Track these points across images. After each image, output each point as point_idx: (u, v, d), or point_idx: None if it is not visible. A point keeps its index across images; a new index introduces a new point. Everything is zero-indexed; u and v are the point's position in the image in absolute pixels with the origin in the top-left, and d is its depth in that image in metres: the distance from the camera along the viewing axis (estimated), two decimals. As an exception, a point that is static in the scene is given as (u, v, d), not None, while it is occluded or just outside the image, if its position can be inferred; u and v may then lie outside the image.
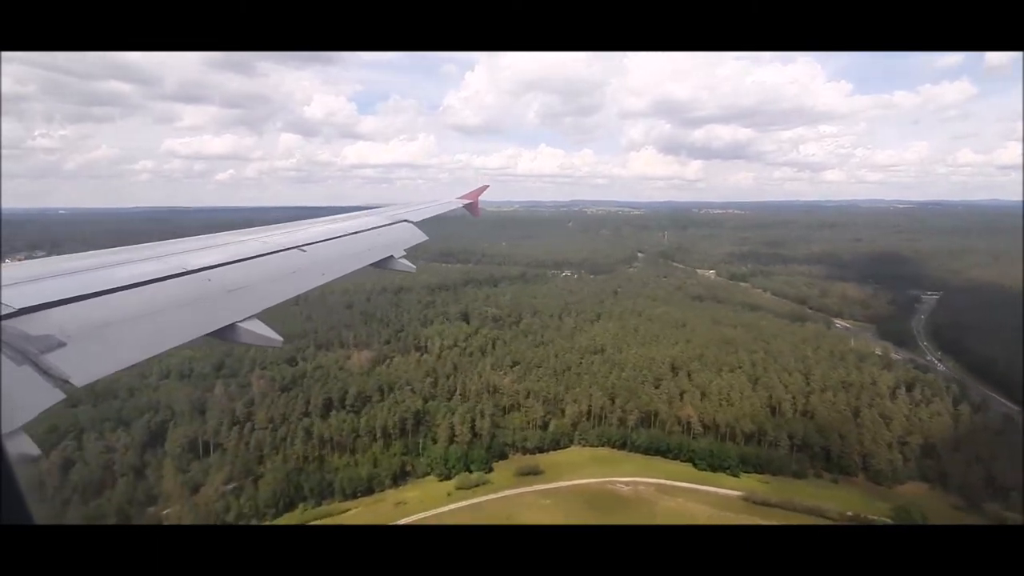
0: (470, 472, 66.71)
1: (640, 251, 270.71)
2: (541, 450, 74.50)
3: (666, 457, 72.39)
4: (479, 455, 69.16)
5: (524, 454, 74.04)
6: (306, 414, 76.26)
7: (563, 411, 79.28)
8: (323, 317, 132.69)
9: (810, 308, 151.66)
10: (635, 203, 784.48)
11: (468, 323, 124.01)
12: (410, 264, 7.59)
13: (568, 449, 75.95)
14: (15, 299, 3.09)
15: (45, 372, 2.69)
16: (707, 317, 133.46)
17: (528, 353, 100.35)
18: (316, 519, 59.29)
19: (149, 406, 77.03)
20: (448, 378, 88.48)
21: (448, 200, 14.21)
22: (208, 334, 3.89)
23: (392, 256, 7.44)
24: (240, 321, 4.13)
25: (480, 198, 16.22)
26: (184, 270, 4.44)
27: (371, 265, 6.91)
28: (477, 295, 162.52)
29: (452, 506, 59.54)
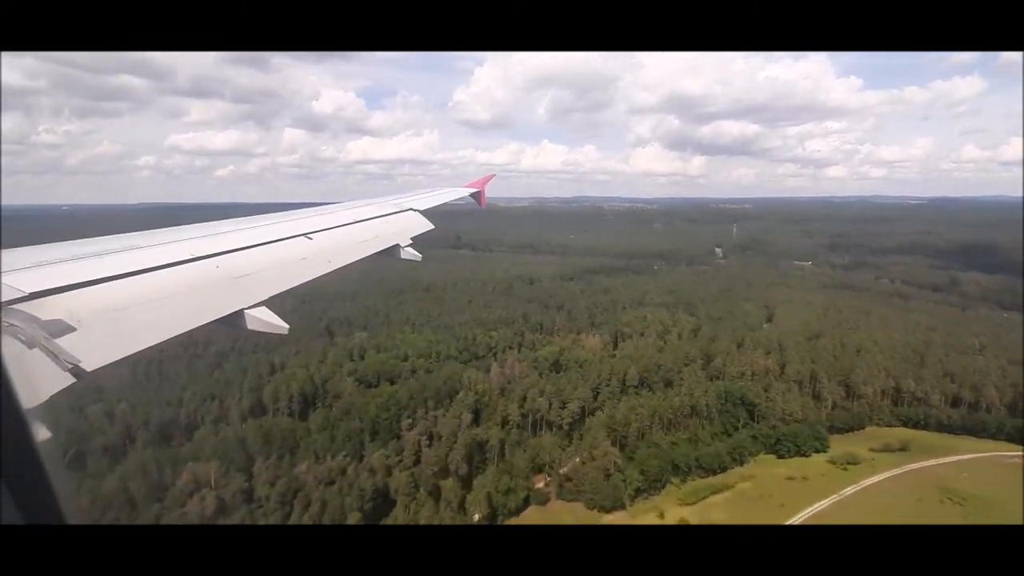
0: (820, 450, 67.56)
1: (717, 245, 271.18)
2: (850, 429, 75.37)
3: (978, 437, 73.12)
4: (821, 432, 69.99)
5: (831, 433, 74.78)
6: (611, 395, 76.62)
7: (855, 393, 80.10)
8: (499, 304, 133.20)
9: (956, 296, 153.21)
10: (644, 199, 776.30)
11: (649, 309, 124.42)
12: (416, 253, 7.45)
13: (866, 430, 76.72)
14: (24, 284, 3.08)
15: (55, 356, 2.68)
16: (875, 304, 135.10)
17: (757, 337, 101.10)
18: (713, 493, 59.77)
19: (451, 387, 76.98)
20: (710, 361, 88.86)
21: (454, 189, 13.94)
22: (215, 320, 3.92)
23: (398, 244, 7.37)
24: (247, 308, 4.14)
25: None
26: (191, 256, 4.43)
27: (376, 254, 6.82)
28: (612, 284, 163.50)
29: (878, 477, 60.26)
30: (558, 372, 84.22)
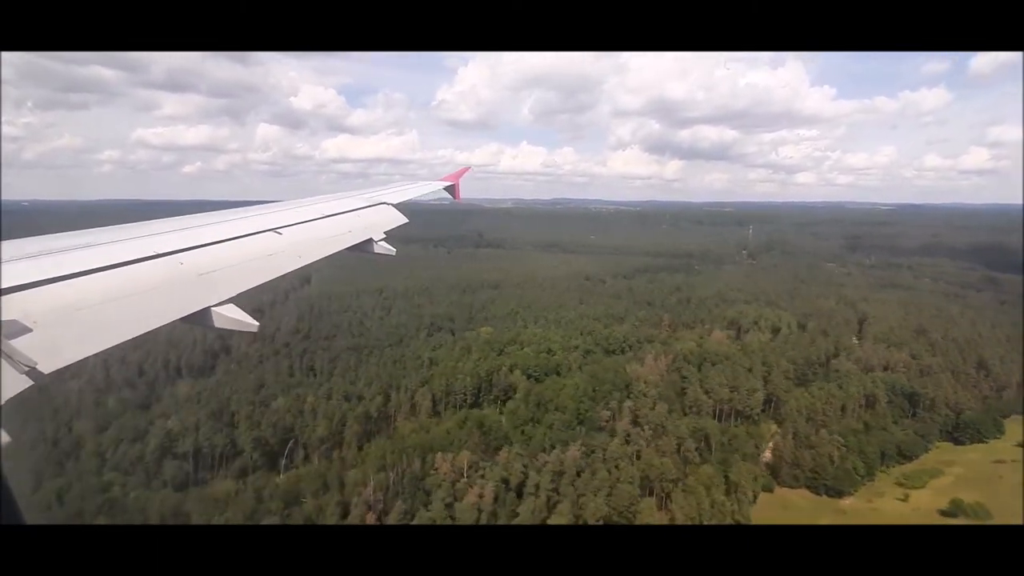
0: (996, 436, 70.54)
1: (743, 247, 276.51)
2: (1002, 416, 78.51)
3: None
4: (997, 419, 72.96)
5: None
6: (779, 386, 78.07)
7: (999, 383, 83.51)
8: (591, 300, 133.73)
9: (1003, 294, 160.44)
10: (624, 201, 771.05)
11: (741, 305, 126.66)
12: (390, 247, 7.24)
13: (1009, 417, 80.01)
14: None
15: (11, 359, 2.61)
16: (941, 302, 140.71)
17: (871, 332, 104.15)
18: (931, 478, 61.44)
19: (621, 379, 77.04)
20: (850, 353, 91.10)
21: (428, 182, 13.78)
22: (181, 319, 3.89)
23: (371, 239, 7.19)
24: (215, 305, 4.10)
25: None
26: (155, 253, 4.29)
27: (348, 249, 6.69)
28: (677, 282, 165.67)
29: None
30: (712, 365, 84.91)
